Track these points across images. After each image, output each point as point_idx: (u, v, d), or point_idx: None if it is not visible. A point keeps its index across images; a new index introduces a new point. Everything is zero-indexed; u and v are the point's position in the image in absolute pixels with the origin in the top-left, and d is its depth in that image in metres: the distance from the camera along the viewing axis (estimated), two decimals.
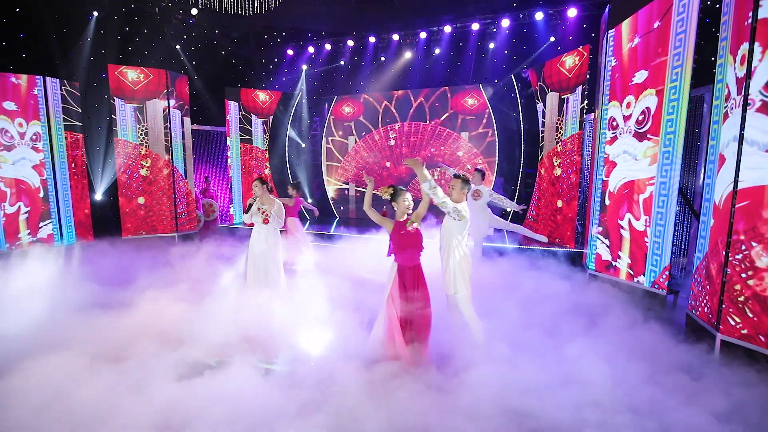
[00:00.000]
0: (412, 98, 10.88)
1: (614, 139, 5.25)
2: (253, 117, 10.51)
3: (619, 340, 3.66)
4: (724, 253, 3.53)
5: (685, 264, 6.26)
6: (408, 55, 10.82)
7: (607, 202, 5.37)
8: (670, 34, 4.06)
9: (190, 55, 10.43)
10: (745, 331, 3.54)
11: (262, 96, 10.55)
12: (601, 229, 5.50)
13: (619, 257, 5.09)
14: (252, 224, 4.61)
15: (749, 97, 3.18)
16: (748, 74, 3.25)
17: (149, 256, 6.72)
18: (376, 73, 11.17)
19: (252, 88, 10.64)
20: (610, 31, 5.35)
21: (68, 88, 7.46)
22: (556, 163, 7.90)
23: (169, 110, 8.34)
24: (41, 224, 7.13)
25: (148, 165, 8.30)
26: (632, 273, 4.90)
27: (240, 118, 10.24)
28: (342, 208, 11.89)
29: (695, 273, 4.22)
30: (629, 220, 4.86)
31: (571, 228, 7.47)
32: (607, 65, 5.44)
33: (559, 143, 7.78)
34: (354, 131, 11.55)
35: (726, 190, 3.45)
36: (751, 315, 3.46)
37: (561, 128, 7.79)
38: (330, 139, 11.78)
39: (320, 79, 11.59)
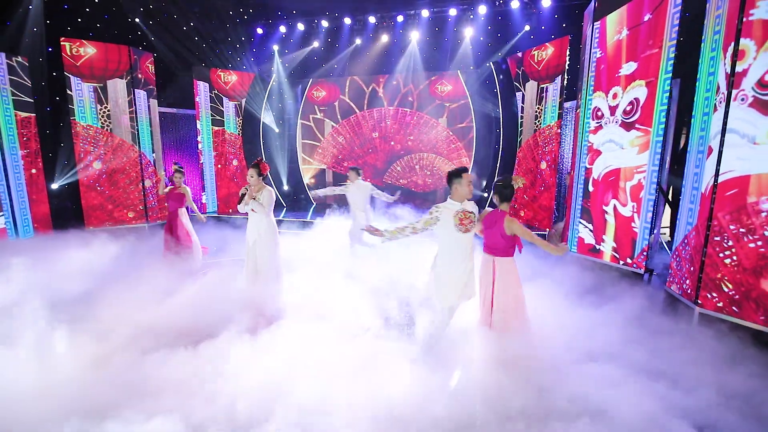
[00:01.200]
0: (401, 84, 10.66)
1: (599, 128, 5.39)
2: (225, 99, 9.85)
3: (609, 313, 3.95)
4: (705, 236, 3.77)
5: (651, 242, 6.68)
6: (384, 38, 10.52)
7: (591, 188, 5.55)
8: (664, 26, 4.17)
9: (149, 31, 9.51)
10: (720, 304, 3.83)
11: (233, 77, 9.89)
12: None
13: (603, 241, 5.31)
14: (246, 214, 4.33)
15: (743, 92, 3.33)
16: (732, 71, 3.42)
17: (119, 248, 6.19)
18: (353, 57, 10.79)
19: (222, 68, 9.94)
20: (595, 23, 5.43)
21: (19, 60, 6.51)
22: (535, 152, 8.07)
23: (134, 91, 7.60)
24: None
25: (111, 149, 7.57)
26: (617, 256, 5.14)
27: (211, 99, 9.56)
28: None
29: (674, 254, 4.49)
30: (614, 206, 5.05)
31: (549, 214, 7.71)
32: (592, 56, 5.54)
33: (538, 131, 7.94)
34: (335, 114, 11.18)
35: (713, 179, 3.64)
36: (726, 290, 3.74)
37: (540, 117, 7.93)
38: (311, 116, 11.34)
39: (294, 61, 11.00)
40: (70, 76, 7.14)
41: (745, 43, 3.36)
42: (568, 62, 7.29)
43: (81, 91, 7.25)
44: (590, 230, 5.58)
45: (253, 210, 4.12)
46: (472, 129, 10.22)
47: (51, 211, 7.11)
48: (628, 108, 4.81)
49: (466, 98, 10.16)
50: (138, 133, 7.75)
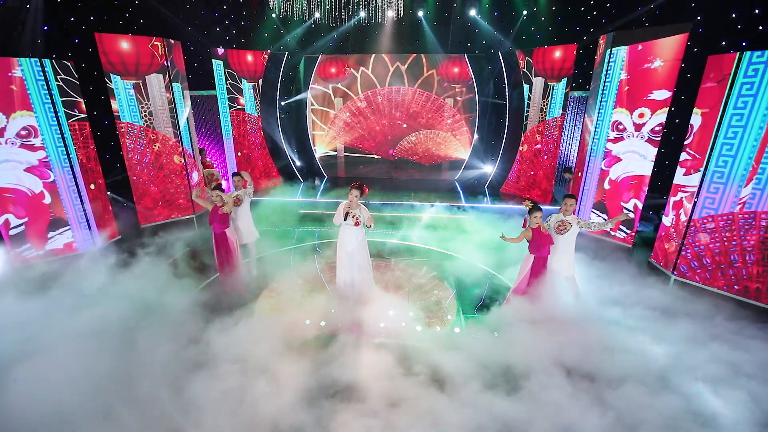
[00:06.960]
0: (407, 64, 10.25)
1: (620, 139, 6.14)
2: (243, 81, 8.95)
3: (608, 279, 5.19)
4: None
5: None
6: (390, 14, 9.89)
7: (607, 186, 6.42)
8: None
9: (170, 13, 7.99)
10: (688, 274, 5.13)
11: (249, 57, 8.91)
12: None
13: (619, 229, 6.36)
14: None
15: None
16: None
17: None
18: (360, 34, 10.09)
19: (239, 48, 8.86)
20: (619, 48, 5.84)
21: (63, 62, 5.36)
22: (538, 139, 8.72)
23: (171, 85, 6.71)
24: (51, 234, 5.60)
25: (156, 149, 6.84)
26: (627, 238, 6.24)
27: (229, 82, 8.65)
28: (326, 175, 11.39)
29: (659, 237, 5.63)
30: (635, 204, 6.02)
31: (549, 195, 8.64)
32: (615, 76, 6.03)
33: (544, 122, 8.52)
34: (344, 92, 10.64)
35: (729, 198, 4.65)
36: (694, 266, 5.01)
37: (545, 109, 8.47)
38: (320, 95, 10.70)
39: (301, 37, 10.02)
40: (111, 75, 6.09)
41: None
42: (575, 67, 7.72)
43: (119, 90, 6.26)
44: (604, 219, 6.57)
45: (356, 224, 4.37)
46: (476, 111, 10.48)
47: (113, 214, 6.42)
48: (657, 128, 5.57)
49: (472, 82, 10.25)
50: (179, 128, 7.01)
